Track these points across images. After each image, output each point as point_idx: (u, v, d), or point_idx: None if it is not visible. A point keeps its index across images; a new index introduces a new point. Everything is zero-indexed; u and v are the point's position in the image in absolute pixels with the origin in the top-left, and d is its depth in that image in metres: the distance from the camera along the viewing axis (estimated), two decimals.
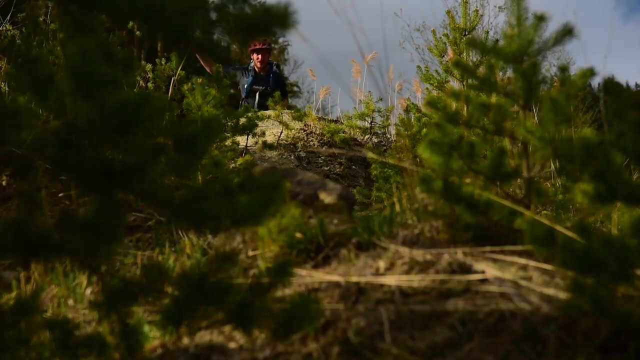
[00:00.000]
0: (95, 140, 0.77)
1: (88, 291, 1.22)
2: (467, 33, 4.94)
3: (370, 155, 3.71)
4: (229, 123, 3.86)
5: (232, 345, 0.94)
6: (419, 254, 1.08)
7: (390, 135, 6.16)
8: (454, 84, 4.85)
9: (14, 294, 1.19)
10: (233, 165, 3.67)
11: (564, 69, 1.18)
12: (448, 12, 5.16)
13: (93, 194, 0.78)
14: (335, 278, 1.06)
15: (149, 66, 5.65)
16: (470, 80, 1.31)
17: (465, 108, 1.30)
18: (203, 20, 0.76)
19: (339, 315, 0.94)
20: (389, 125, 5.95)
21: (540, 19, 1.19)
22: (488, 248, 1.11)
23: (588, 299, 0.79)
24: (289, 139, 5.36)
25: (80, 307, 1.18)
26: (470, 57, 4.80)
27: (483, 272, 1.00)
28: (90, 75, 0.72)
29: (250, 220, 0.81)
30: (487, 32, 6.03)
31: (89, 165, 0.77)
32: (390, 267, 1.07)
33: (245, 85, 6.59)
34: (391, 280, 1.01)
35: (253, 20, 0.76)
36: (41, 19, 3.63)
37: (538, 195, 1.22)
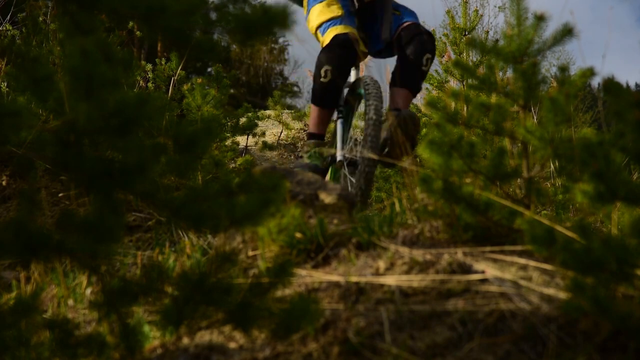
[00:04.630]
0: (95, 140, 0.78)
1: (88, 291, 1.22)
2: (467, 33, 4.94)
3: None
4: (229, 123, 3.86)
5: (232, 345, 0.94)
6: (419, 254, 1.08)
7: None
8: (454, 84, 4.85)
9: (14, 294, 1.19)
10: (233, 165, 3.67)
11: (564, 69, 1.18)
12: (448, 12, 5.16)
13: (93, 194, 0.78)
14: (335, 278, 1.06)
15: (149, 66, 5.64)
16: (470, 80, 1.31)
17: (465, 108, 1.30)
18: (203, 20, 0.77)
19: (339, 315, 0.94)
20: None
21: (540, 19, 1.19)
22: (488, 248, 1.11)
23: (588, 299, 0.79)
24: (289, 139, 5.36)
25: (80, 307, 1.18)
26: (470, 57, 4.80)
27: (483, 272, 1.00)
28: (90, 75, 0.72)
29: (250, 220, 0.81)
30: (487, 32, 6.03)
31: (89, 165, 0.77)
32: (390, 267, 1.07)
33: None
34: (391, 280, 1.01)
35: (253, 20, 0.76)
36: (41, 19, 3.63)
37: (538, 195, 1.22)
